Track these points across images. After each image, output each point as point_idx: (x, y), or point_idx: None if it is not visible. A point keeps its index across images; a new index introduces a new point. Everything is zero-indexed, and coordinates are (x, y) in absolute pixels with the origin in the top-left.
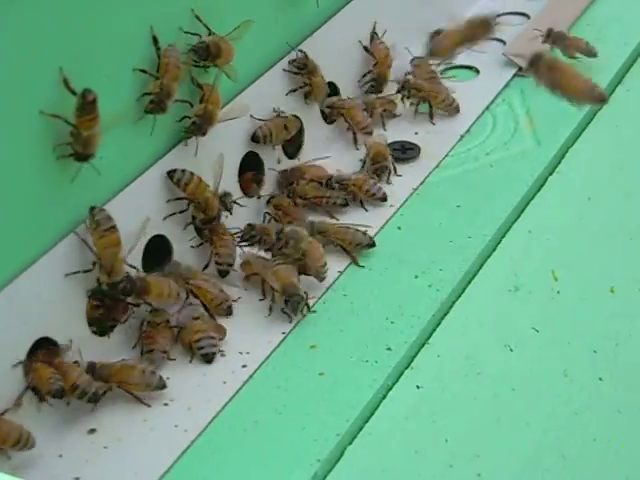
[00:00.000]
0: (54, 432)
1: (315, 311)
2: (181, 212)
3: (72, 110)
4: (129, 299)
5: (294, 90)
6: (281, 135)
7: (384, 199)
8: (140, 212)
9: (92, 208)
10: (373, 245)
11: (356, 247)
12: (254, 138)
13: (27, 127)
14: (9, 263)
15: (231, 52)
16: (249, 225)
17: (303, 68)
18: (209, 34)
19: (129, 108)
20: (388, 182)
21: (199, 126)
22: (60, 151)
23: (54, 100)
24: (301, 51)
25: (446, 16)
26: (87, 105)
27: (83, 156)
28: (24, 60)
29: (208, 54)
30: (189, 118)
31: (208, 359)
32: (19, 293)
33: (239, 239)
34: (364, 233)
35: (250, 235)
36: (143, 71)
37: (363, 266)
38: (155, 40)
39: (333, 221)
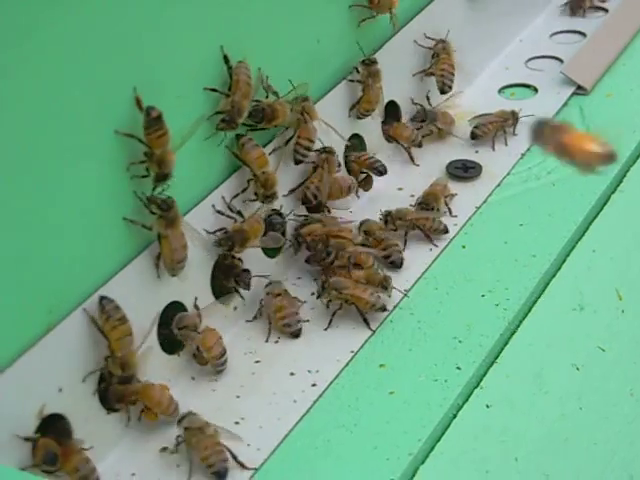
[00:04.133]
0: (127, 451)
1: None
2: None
3: (141, 130)
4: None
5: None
6: (326, 182)
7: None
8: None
9: (101, 298)
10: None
11: (371, 308)
12: (305, 201)
13: (102, 147)
14: (86, 278)
15: (286, 114)
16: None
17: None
18: (267, 96)
19: (197, 123)
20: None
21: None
22: (134, 171)
23: (129, 120)
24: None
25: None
26: (153, 121)
27: (161, 176)
28: (99, 81)
29: (263, 117)
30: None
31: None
32: (95, 308)
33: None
34: (379, 296)
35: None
36: (214, 90)
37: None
38: (226, 59)
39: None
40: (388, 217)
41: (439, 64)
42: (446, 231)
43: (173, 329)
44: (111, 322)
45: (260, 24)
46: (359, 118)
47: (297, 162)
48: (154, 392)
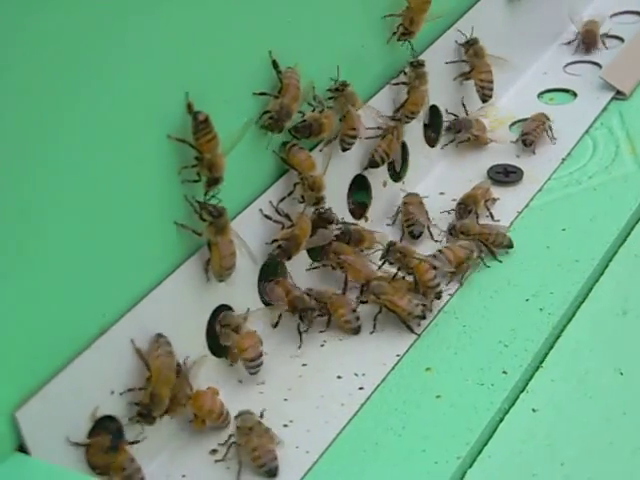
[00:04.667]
0: (177, 453)
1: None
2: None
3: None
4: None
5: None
6: (395, 149)
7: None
8: (257, 235)
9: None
10: (423, 317)
11: (409, 316)
12: (372, 164)
13: (154, 151)
14: (138, 282)
15: (332, 126)
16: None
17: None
18: (313, 110)
19: (245, 127)
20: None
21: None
22: (185, 175)
23: (181, 125)
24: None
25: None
26: (201, 125)
27: (212, 180)
28: (151, 86)
29: (311, 133)
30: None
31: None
32: (146, 312)
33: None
34: (418, 304)
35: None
36: (263, 93)
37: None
38: (275, 64)
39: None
40: (452, 230)
41: (476, 73)
42: (511, 245)
43: (216, 326)
44: (158, 352)
45: (306, 29)
46: (405, 122)
47: (344, 149)
48: (205, 400)
